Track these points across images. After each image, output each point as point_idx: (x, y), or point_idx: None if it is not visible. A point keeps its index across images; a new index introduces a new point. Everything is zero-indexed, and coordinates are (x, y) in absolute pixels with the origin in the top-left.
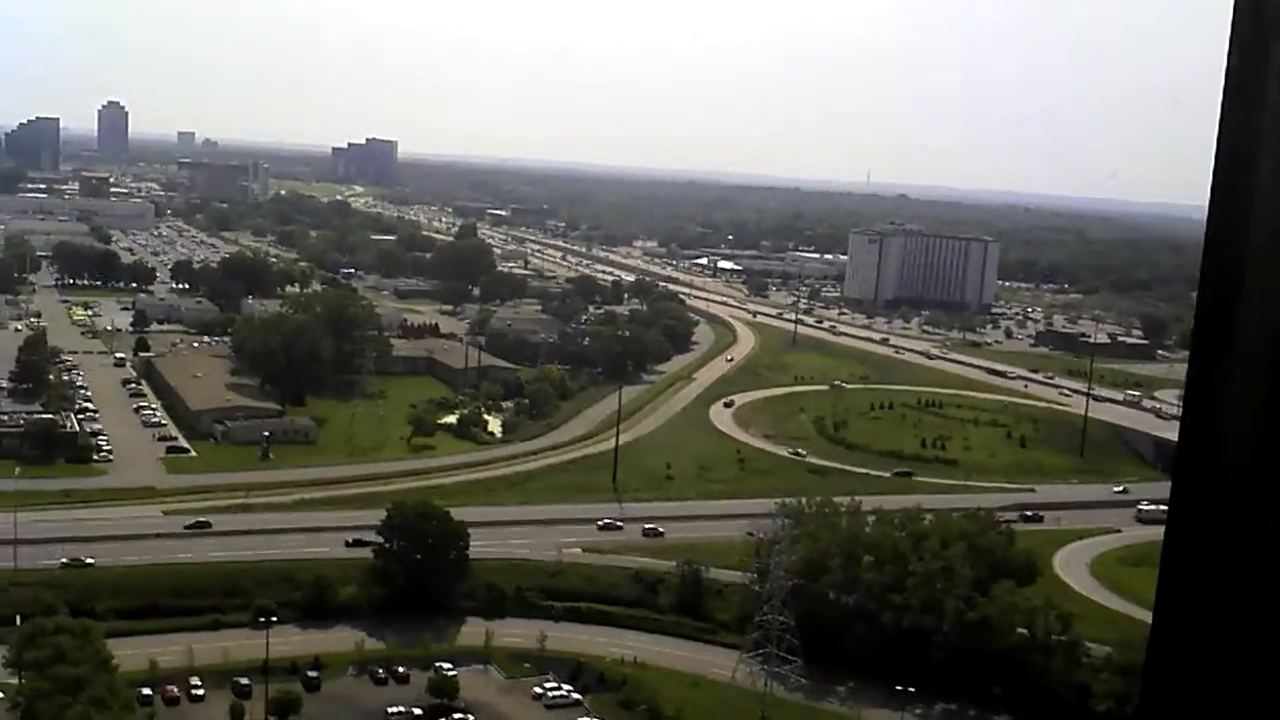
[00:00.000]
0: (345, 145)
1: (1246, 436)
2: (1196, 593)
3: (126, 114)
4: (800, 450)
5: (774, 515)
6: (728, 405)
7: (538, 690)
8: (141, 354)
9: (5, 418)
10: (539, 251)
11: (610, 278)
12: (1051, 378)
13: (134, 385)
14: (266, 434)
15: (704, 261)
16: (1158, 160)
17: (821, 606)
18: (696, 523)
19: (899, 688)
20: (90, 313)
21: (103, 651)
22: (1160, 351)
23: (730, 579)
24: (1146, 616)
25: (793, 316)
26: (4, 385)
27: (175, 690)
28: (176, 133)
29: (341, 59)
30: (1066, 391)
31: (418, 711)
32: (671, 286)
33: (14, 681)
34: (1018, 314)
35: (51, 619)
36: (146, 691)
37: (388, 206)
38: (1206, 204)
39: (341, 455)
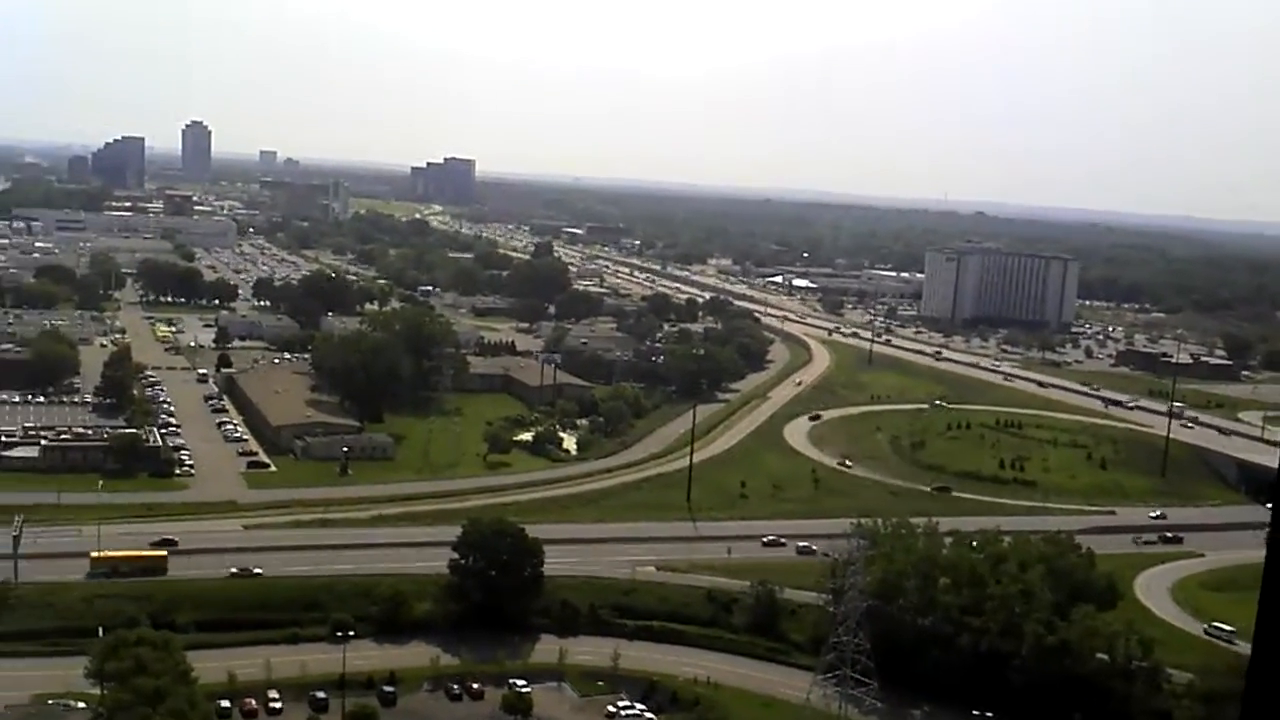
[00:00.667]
0: (424, 164)
1: None
2: None
3: (210, 134)
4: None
5: (849, 535)
6: (814, 419)
7: (611, 709)
8: (223, 370)
9: (90, 432)
10: (614, 269)
11: (685, 295)
12: (1136, 401)
13: (216, 401)
14: (345, 450)
15: (779, 279)
16: (1241, 177)
17: (897, 628)
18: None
19: (976, 712)
20: (174, 329)
21: (182, 664)
22: (1244, 372)
23: (805, 599)
24: (1228, 642)
25: (869, 334)
26: (89, 400)
27: (253, 703)
28: (259, 152)
29: (422, 80)
30: (1146, 411)
31: None
32: (746, 304)
33: (96, 692)
34: (1098, 333)
35: (133, 631)
36: (225, 704)
37: (465, 225)
38: None
39: (418, 472)
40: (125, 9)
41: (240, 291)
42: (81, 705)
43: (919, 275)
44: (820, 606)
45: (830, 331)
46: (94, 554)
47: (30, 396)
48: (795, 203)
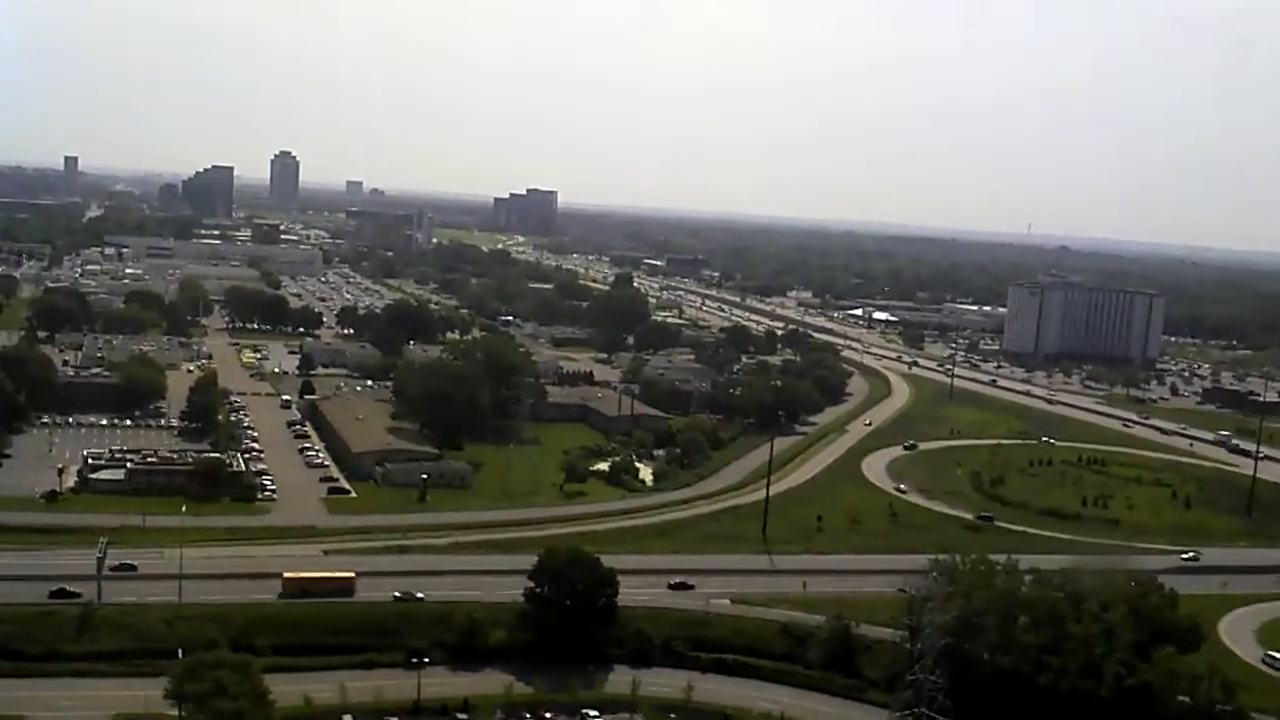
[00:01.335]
0: (507, 195)
1: None
2: None
3: (298, 164)
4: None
5: (927, 571)
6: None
7: None
8: (306, 396)
9: (175, 456)
10: (693, 301)
11: (764, 327)
12: (1229, 437)
13: (299, 426)
14: (424, 477)
15: (859, 312)
16: None
17: (975, 667)
18: (846, 576)
19: None
20: (259, 355)
21: (260, 687)
22: None
23: (881, 635)
24: None
25: (949, 369)
26: (175, 424)
27: None
28: (345, 182)
29: (507, 111)
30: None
31: None
32: (825, 337)
33: (175, 713)
34: (1183, 370)
35: (212, 653)
36: None
37: (547, 255)
38: None
39: (496, 500)
40: (217, 44)
41: (325, 319)
42: None
43: (1001, 309)
44: (897, 643)
45: (910, 365)
46: (286, 574)
47: (118, 420)
48: (877, 235)
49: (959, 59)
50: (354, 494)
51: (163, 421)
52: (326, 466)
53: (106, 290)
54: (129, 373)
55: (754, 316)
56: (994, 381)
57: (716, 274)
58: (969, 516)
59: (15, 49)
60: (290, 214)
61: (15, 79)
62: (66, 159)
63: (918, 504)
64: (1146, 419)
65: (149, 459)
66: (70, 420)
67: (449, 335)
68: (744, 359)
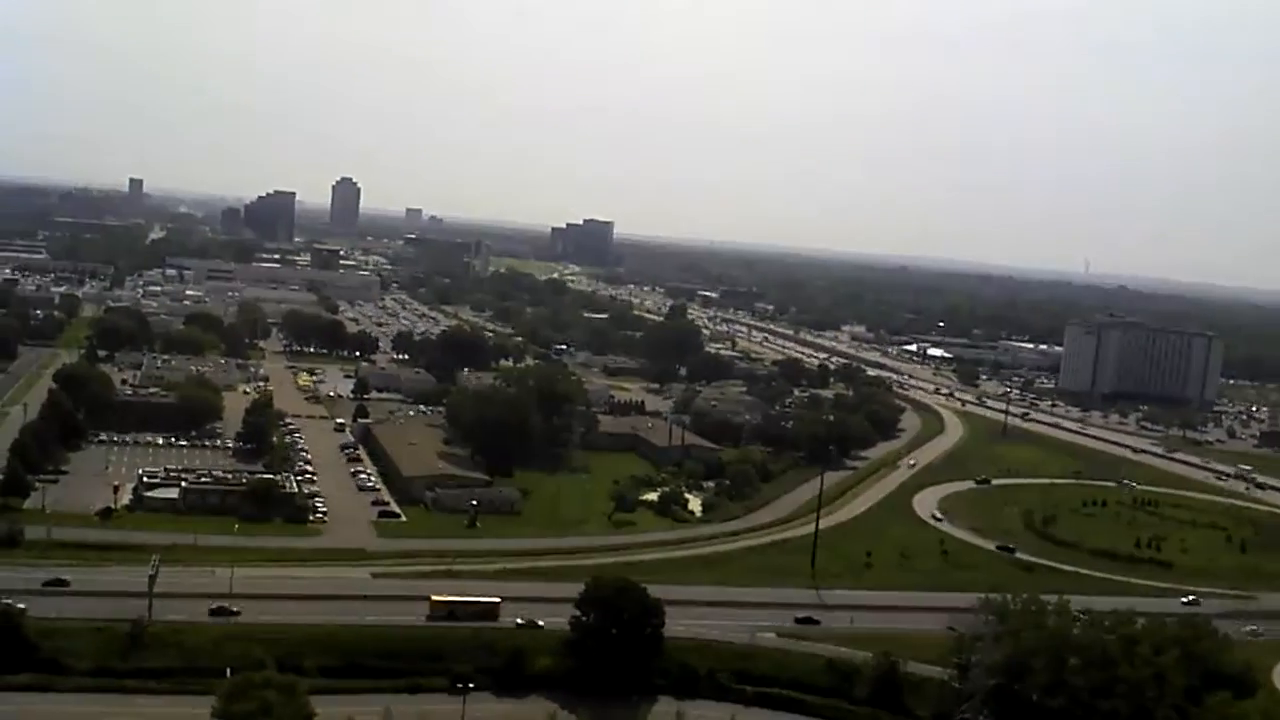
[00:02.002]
0: (564, 225)
1: None
2: None
3: (358, 190)
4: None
5: (977, 610)
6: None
7: None
8: (360, 420)
9: (229, 476)
10: (747, 333)
11: (817, 361)
12: None
13: (351, 450)
14: (474, 503)
15: (913, 348)
16: None
17: (1024, 708)
18: (895, 613)
19: None
20: (315, 379)
21: (306, 708)
22: None
23: (929, 673)
24: None
25: (1004, 406)
26: (230, 445)
27: None
28: (405, 209)
29: (564, 142)
30: None
31: None
32: (879, 372)
33: None
34: (1241, 412)
35: (260, 673)
36: None
37: (601, 285)
38: None
39: (545, 527)
40: (281, 71)
41: (381, 344)
42: None
43: (1057, 348)
44: (946, 682)
45: (964, 402)
46: (434, 597)
47: (174, 439)
48: (932, 271)
49: (1018, 95)
50: (404, 518)
51: (218, 442)
52: (378, 490)
53: (167, 311)
54: (186, 393)
55: (807, 350)
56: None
57: (770, 307)
58: (1021, 557)
59: (83, 74)
60: (350, 240)
61: (83, 103)
62: (131, 181)
63: (968, 541)
64: (1208, 463)
65: (203, 478)
66: (127, 439)
67: (503, 363)
68: (796, 392)
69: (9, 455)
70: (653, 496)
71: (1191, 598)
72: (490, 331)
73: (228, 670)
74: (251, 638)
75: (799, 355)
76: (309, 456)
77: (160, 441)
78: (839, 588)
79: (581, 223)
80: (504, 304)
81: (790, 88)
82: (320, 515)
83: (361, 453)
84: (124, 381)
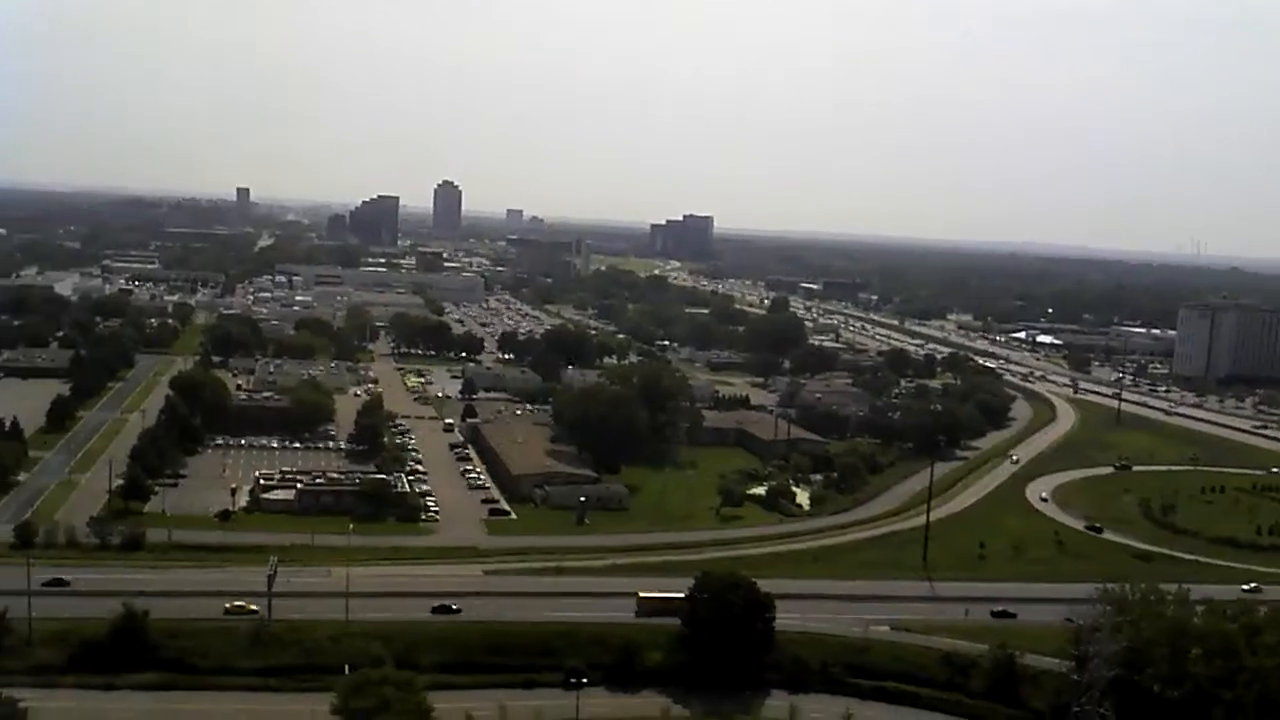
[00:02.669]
0: (664, 221)
1: None
2: None
3: (460, 193)
4: (1096, 524)
5: (1094, 601)
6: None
7: None
8: (468, 419)
9: (343, 477)
10: (851, 325)
11: (923, 351)
12: None
13: (461, 449)
14: (582, 499)
15: (1021, 335)
16: None
17: (1144, 700)
18: (1010, 605)
19: None
20: (423, 380)
21: (423, 704)
22: None
23: (1046, 665)
24: None
25: (1116, 393)
26: (343, 446)
27: None
28: (506, 210)
29: (662, 139)
30: None
31: None
32: (987, 361)
33: None
34: None
35: (377, 670)
36: None
37: (702, 281)
38: None
39: (652, 523)
40: (383, 78)
41: (486, 344)
42: None
43: (1170, 332)
44: (1063, 674)
45: (1076, 389)
46: (641, 594)
47: (288, 442)
48: (1040, 257)
49: (1117, 74)
50: (514, 515)
51: (331, 444)
52: (487, 488)
53: (277, 317)
54: (299, 396)
55: (913, 340)
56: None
57: (874, 297)
58: (1140, 546)
59: (190, 86)
60: (453, 242)
61: (191, 114)
62: (239, 190)
63: (1084, 531)
64: None
65: (317, 480)
66: (243, 442)
67: (606, 360)
68: (903, 383)
69: (129, 461)
70: (760, 491)
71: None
72: (593, 329)
73: (346, 667)
74: (369, 634)
75: (904, 345)
76: (420, 456)
77: (275, 444)
78: (952, 580)
79: (681, 218)
80: (606, 302)
81: (895, 75)
82: (432, 514)
83: (471, 452)
84: (238, 387)
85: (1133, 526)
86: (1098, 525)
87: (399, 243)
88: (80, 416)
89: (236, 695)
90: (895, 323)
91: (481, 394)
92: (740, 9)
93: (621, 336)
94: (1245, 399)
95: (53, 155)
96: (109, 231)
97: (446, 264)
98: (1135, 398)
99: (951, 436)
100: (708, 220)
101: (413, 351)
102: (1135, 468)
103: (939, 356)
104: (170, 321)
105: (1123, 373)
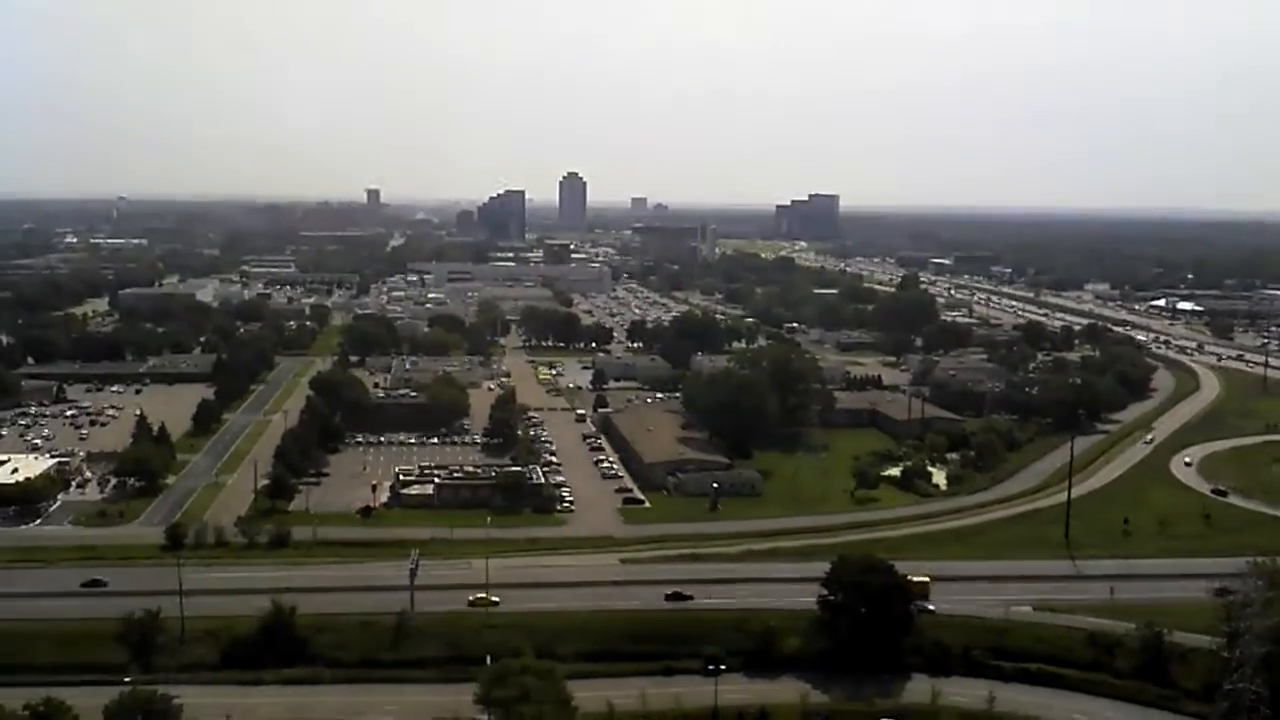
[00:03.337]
0: (788, 202)
1: None
2: None
3: (585, 184)
4: (1220, 487)
5: (1246, 576)
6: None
7: None
8: (600, 410)
9: (479, 470)
10: (984, 299)
11: (1059, 323)
12: None
13: (593, 439)
14: (715, 486)
15: (1161, 303)
16: None
17: None
18: (1157, 582)
19: None
20: (554, 372)
21: (564, 693)
22: None
23: (1196, 643)
24: None
25: (1263, 359)
26: (478, 440)
27: None
28: (630, 199)
29: (783, 119)
30: None
31: None
32: (1126, 330)
33: (484, 718)
34: None
35: (518, 660)
36: None
37: (830, 260)
38: None
39: (786, 507)
40: (505, 74)
41: (615, 334)
42: None
43: None
44: (1214, 651)
45: (1219, 357)
46: (912, 578)
47: (425, 437)
48: (1178, 222)
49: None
50: (648, 504)
51: (466, 438)
52: (621, 477)
53: (411, 315)
54: (434, 392)
55: (1048, 312)
56: None
57: (1007, 270)
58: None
59: (322, 95)
60: (579, 234)
61: (321, 121)
62: (369, 192)
63: (1233, 504)
64: None
65: (455, 474)
66: (382, 439)
67: (735, 345)
68: (1040, 357)
69: (273, 461)
70: (895, 471)
71: None
72: (721, 314)
73: (488, 658)
74: (510, 626)
75: (1040, 318)
76: (553, 448)
77: (412, 440)
78: (1096, 558)
79: (806, 198)
80: (733, 286)
81: (1019, 40)
82: (567, 504)
83: (603, 441)
84: (376, 385)
85: None
86: (1223, 490)
87: (527, 236)
88: (224, 419)
89: (381, 688)
90: (1030, 295)
91: (612, 384)
92: None
93: (750, 320)
94: None
95: (189, 167)
96: (246, 238)
97: (574, 255)
98: None
99: (1091, 410)
100: (834, 199)
101: (543, 344)
102: None
103: (1076, 328)
104: (308, 323)
105: (1268, 338)
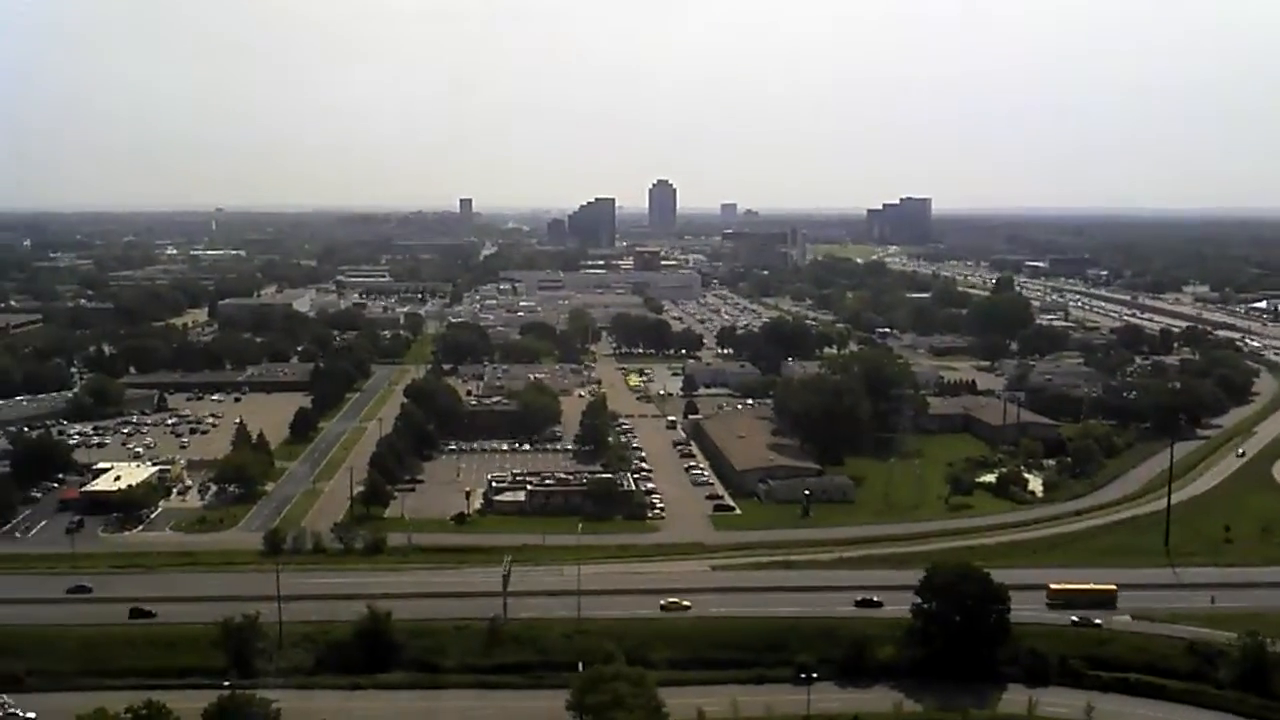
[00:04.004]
0: (880, 206)
1: None
2: None
3: (674, 191)
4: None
5: None
6: None
7: None
8: (690, 416)
9: (570, 477)
10: (1080, 302)
11: (1158, 326)
12: None
13: (684, 446)
14: (806, 492)
15: (1262, 305)
16: None
17: None
18: (1259, 590)
19: None
20: (644, 378)
21: (655, 700)
22: None
23: None
24: None
25: None
26: (570, 447)
27: None
28: (720, 205)
29: (870, 122)
30: None
31: None
32: (1227, 334)
33: None
34: None
35: (610, 666)
36: None
37: (922, 264)
38: None
39: (879, 514)
40: (591, 83)
41: (705, 340)
42: None
43: None
44: None
45: None
46: (1052, 585)
47: (518, 445)
48: (1273, 221)
49: None
50: (738, 510)
51: (558, 445)
52: (711, 484)
53: (503, 323)
54: (526, 400)
55: (1147, 316)
56: None
57: (1104, 273)
58: None
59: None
60: (669, 240)
61: (416, 132)
62: (461, 201)
63: None
64: None
65: (547, 481)
66: (474, 446)
67: (826, 350)
68: (1138, 361)
69: (369, 468)
70: (990, 478)
71: None
72: (812, 320)
73: (580, 664)
74: (600, 632)
75: (1138, 321)
76: (644, 454)
77: (505, 447)
78: (1196, 565)
79: (898, 202)
80: (824, 291)
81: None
82: (658, 511)
83: (693, 448)
84: (469, 393)
85: None
86: None
87: (616, 243)
88: (321, 427)
89: (475, 693)
90: (1127, 298)
91: (702, 390)
92: None
93: (841, 326)
94: None
95: (285, 179)
96: (342, 248)
97: (664, 262)
98: None
99: (1191, 415)
100: (926, 203)
101: (633, 350)
102: None
103: (1175, 331)
104: (402, 332)
105: None
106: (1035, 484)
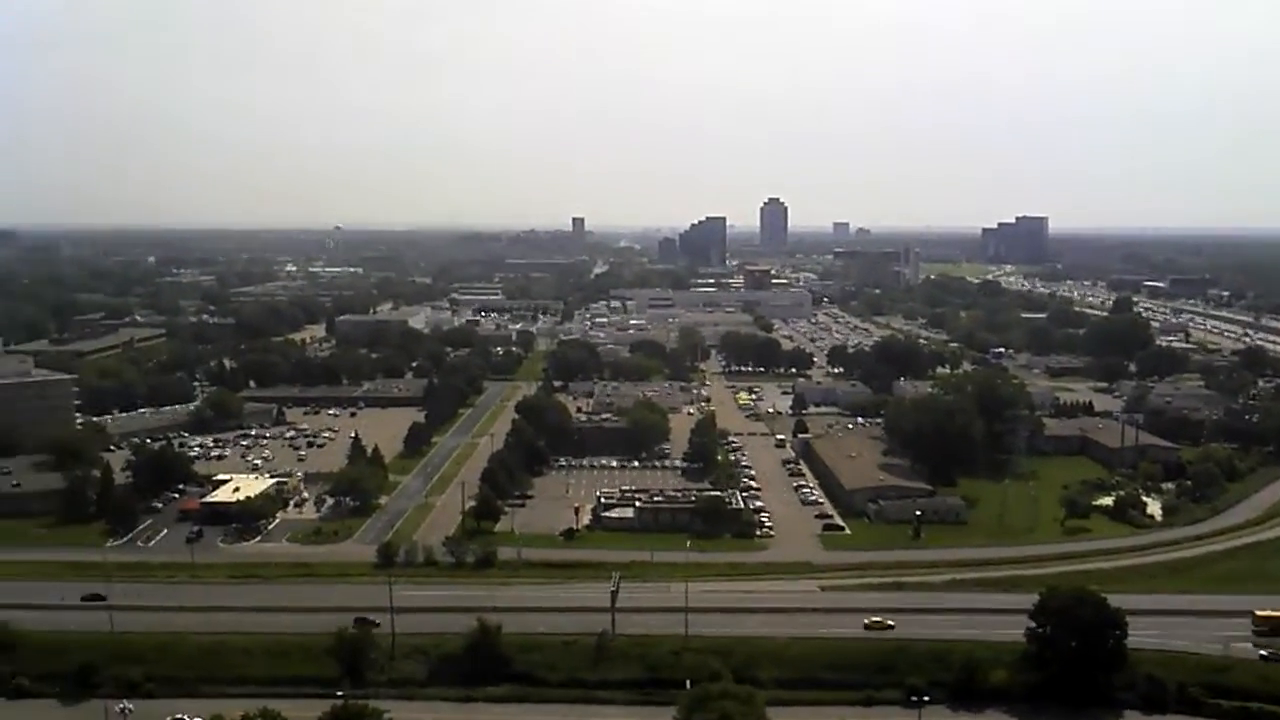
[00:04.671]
0: (995, 225)
1: None
2: None
3: (786, 209)
4: None
5: None
6: None
7: None
8: (800, 435)
9: (679, 494)
10: (1201, 323)
11: None
12: None
13: (793, 465)
14: (918, 513)
15: None
16: None
17: None
18: None
19: None
20: (754, 397)
21: (763, 719)
22: None
23: None
24: None
25: None
26: (678, 464)
27: None
28: (832, 224)
29: (991, 140)
30: None
31: None
32: None
33: None
34: None
35: (717, 684)
36: None
37: (1038, 284)
38: None
39: (992, 536)
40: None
41: (815, 359)
42: None
43: None
44: None
45: None
46: (1258, 612)
47: (627, 462)
48: None
49: None
50: (848, 530)
51: (667, 462)
52: (821, 503)
53: (613, 340)
54: (636, 417)
55: (1271, 337)
56: None
57: (1225, 293)
58: None
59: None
60: (780, 259)
61: (532, 155)
62: (574, 220)
63: None
64: None
65: (655, 498)
66: (584, 462)
67: (939, 370)
68: (1260, 383)
69: (480, 483)
70: (1107, 501)
71: None
72: (924, 339)
73: (687, 681)
74: (708, 650)
75: (1261, 343)
76: (753, 473)
77: (614, 464)
78: None
79: (1014, 220)
80: (937, 310)
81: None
82: (766, 530)
83: (803, 467)
84: (579, 409)
85: None
86: None
87: (727, 262)
88: (434, 442)
89: (582, 708)
90: (1250, 319)
91: (812, 409)
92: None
93: (954, 345)
94: None
95: (402, 197)
96: (455, 266)
97: (774, 280)
98: None
99: None
100: (1042, 221)
101: (743, 369)
102: None
103: None
104: (514, 349)
105: None
106: (1154, 508)
